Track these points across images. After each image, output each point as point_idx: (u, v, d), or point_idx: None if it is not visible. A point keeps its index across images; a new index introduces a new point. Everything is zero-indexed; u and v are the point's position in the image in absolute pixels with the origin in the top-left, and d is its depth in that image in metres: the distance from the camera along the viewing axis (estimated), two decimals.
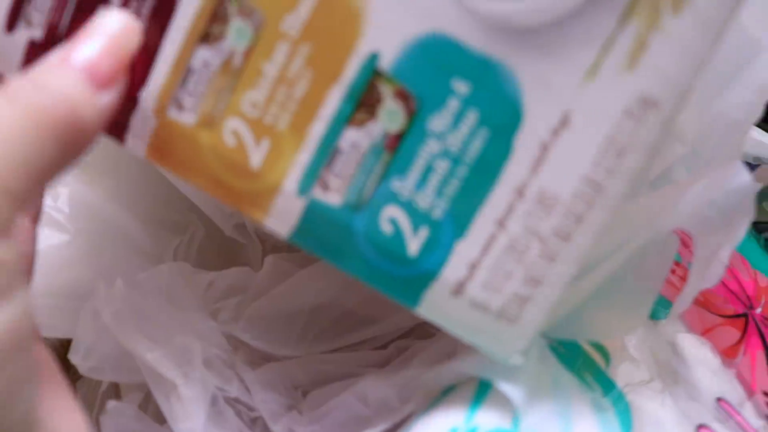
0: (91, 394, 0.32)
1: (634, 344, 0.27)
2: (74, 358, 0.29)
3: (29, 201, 0.16)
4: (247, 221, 0.32)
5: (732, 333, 0.30)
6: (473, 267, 0.20)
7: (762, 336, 0.31)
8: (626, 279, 0.25)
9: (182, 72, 0.20)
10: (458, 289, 0.21)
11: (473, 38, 0.19)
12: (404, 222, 0.20)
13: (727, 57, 0.26)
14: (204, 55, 0.20)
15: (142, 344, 0.25)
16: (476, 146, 0.20)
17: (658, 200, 0.25)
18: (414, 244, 0.20)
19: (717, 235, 0.24)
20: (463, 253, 0.20)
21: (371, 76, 0.19)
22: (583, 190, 0.20)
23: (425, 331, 0.31)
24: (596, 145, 0.20)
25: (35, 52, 0.21)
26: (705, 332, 0.29)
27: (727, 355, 0.29)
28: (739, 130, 0.27)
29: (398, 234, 0.20)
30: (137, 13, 0.20)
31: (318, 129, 0.20)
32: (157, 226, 0.33)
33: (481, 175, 0.20)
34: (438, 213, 0.20)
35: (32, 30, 0.21)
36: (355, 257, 0.21)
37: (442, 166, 0.20)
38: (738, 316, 0.32)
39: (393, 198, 0.20)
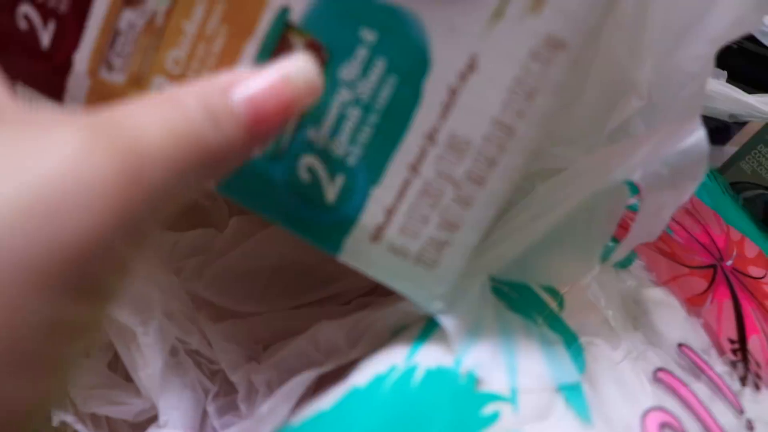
0: None
1: (592, 290, 0.27)
2: None
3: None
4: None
5: (699, 282, 0.30)
6: (390, 212, 0.21)
7: (731, 286, 0.31)
8: (578, 226, 0.25)
9: (110, 34, 0.21)
10: (377, 235, 0.21)
11: None
12: (321, 170, 0.21)
13: (682, 9, 0.26)
14: (129, 16, 0.21)
15: None
16: (386, 93, 0.20)
17: (614, 153, 0.25)
18: (331, 192, 0.21)
19: (665, 194, 0.24)
20: (380, 198, 0.21)
21: (283, 29, 0.20)
22: (494, 134, 0.20)
23: (387, 289, 0.31)
24: (504, 87, 0.20)
25: None
26: (671, 280, 0.29)
27: (694, 303, 0.29)
28: (695, 83, 0.27)
29: (316, 182, 0.21)
30: None
31: None
32: None
33: (392, 122, 0.20)
34: (352, 160, 0.21)
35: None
36: (278, 206, 0.21)
37: (354, 114, 0.20)
38: (706, 267, 0.31)
39: (309, 147, 0.21)
